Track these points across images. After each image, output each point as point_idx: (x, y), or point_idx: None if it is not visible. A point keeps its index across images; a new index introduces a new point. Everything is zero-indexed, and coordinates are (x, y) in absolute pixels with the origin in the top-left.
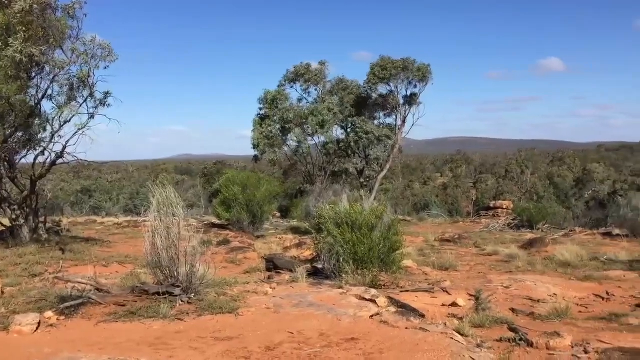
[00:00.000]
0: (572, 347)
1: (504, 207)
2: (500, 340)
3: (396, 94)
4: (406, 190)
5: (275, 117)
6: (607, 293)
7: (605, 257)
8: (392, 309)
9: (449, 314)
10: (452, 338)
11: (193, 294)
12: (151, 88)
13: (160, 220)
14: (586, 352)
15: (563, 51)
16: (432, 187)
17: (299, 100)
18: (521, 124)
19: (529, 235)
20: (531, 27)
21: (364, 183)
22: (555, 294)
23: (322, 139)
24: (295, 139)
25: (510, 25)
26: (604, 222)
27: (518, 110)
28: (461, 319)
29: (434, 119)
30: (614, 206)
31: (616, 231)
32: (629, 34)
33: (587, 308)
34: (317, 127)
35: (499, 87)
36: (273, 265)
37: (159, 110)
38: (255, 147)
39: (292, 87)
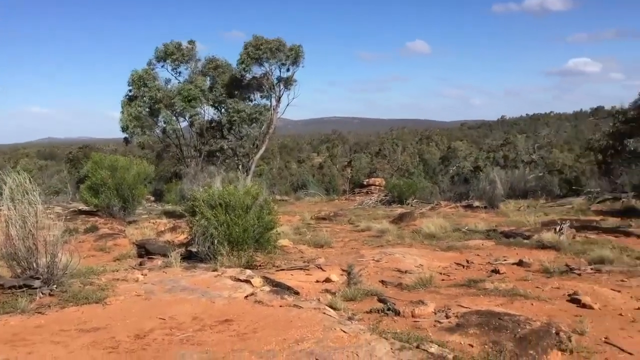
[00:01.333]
0: (435, 313)
1: (377, 184)
2: (370, 311)
3: (270, 74)
4: (283, 170)
5: (144, 98)
6: (467, 261)
7: (466, 227)
8: (267, 288)
9: (323, 290)
10: (324, 313)
11: (55, 286)
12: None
13: (15, 208)
14: (447, 316)
15: (428, 34)
16: (309, 166)
17: (167, 81)
18: (390, 104)
19: (399, 210)
20: (398, 9)
21: (240, 163)
22: (421, 265)
23: (188, 117)
24: (163, 119)
25: (379, 6)
26: (466, 195)
27: (387, 90)
28: (334, 293)
29: (309, 99)
30: (475, 180)
31: (476, 203)
32: (487, 18)
33: (449, 276)
34: (183, 104)
35: (369, 68)
36: (145, 251)
37: (16, 90)
38: (124, 129)
39: (162, 66)
